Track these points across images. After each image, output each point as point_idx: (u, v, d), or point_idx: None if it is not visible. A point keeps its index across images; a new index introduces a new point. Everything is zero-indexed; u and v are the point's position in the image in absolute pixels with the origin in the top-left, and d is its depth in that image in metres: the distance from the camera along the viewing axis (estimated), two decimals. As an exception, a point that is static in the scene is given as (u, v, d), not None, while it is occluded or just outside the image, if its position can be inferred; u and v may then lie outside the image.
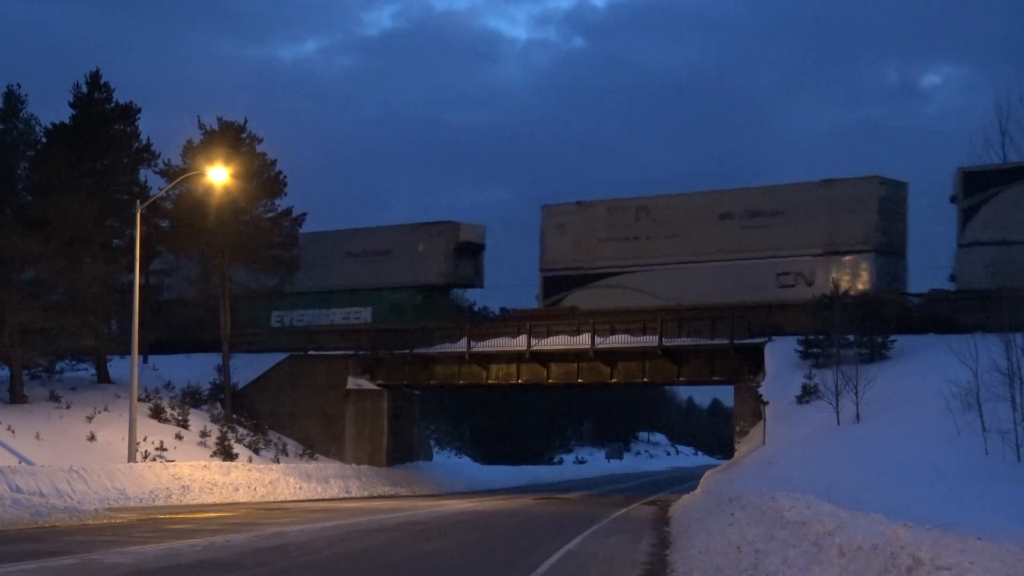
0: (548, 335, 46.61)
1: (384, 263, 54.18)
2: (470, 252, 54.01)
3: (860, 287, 42.59)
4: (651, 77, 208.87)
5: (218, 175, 40.08)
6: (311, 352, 51.79)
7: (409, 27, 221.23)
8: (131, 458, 34.97)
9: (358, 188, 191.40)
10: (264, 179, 49.49)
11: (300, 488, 39.78)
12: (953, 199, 42.07)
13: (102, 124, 45.52)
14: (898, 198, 44.61)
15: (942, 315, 39.42)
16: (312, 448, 49.29)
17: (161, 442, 40.88)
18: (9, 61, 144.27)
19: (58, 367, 45.50)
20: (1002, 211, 40.31)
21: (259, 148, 49.62)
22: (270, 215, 50.33)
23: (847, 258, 43.53)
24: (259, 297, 50.69)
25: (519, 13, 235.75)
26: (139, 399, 38.23)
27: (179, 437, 42.73)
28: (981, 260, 39.87)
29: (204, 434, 44.16)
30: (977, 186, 41.13)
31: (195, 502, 33.28)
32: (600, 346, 45.11)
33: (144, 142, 47.14)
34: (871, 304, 38.15)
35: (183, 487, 34.26)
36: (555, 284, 50.54)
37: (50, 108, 53.03)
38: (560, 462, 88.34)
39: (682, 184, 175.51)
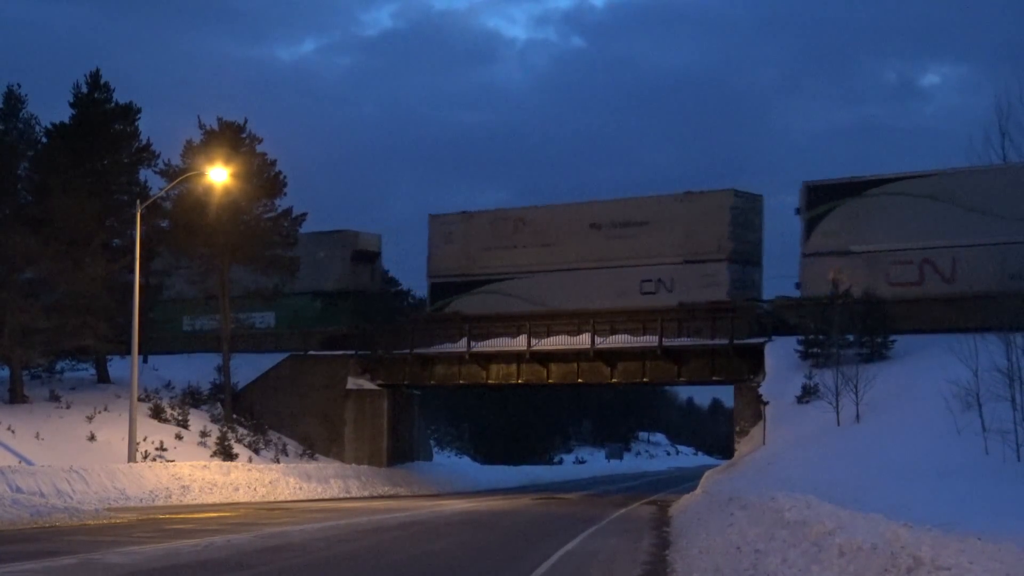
0: (548, 335, 46.64)
1: None
2: (366, 259, 55.69)
3: (715, 294, 44.97)
4: (650, 77, 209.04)
5: (218, 175, 40.08)
6: (311, 352, 51.81)
7: (408, 27, 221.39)
8: (131, 458, 34.98)
9: (357, 188, 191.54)
10: (264, 179, 49.46)
11: (300, 488, 39.78)
12: (798, 211, 44.36)
13: (102, 124, 45.51)
14: (753, 210, 46.88)
15: (789, 321, 41.49)
16: (312, 448, 49.29)
17: (161, 442, 40.88)
18: (9, 61, 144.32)
19: (58, 367, 45.51)
20: (838, 223, 42.93)
21: (259, 148, 49.63)
22: (270, 215, 50.31)
23: (703, 266, 45.69)
24: (259, 297, 50.68)
25: (518, 13, 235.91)
26: (139, 399, 38.24)
27: (179, 437, 42.73)
28: (821, 269, 42.51)
29: (204, 434, 44.16)
30: (819, 199, 43.88)
31: (195, 502, 33.28)
32: (600, 346, 45.12)
33: (144, 142, 47.14)
34: (871, 304, 38.17)
35: (183, 487, 34.26)
36: (442, 290, 52.54)
37: (50, 108, 53.05)
38: (560, 462, 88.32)
39: (682, 184, 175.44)
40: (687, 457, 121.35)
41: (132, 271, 37.65)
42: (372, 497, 41.62)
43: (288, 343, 53.21)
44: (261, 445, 47.08)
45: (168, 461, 38.02)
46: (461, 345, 47.87)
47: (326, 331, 52.79)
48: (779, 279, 48.24)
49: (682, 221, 46.48)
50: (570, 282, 48.39)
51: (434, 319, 51.15)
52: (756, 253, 47.06)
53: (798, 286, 44.32)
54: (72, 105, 46.06)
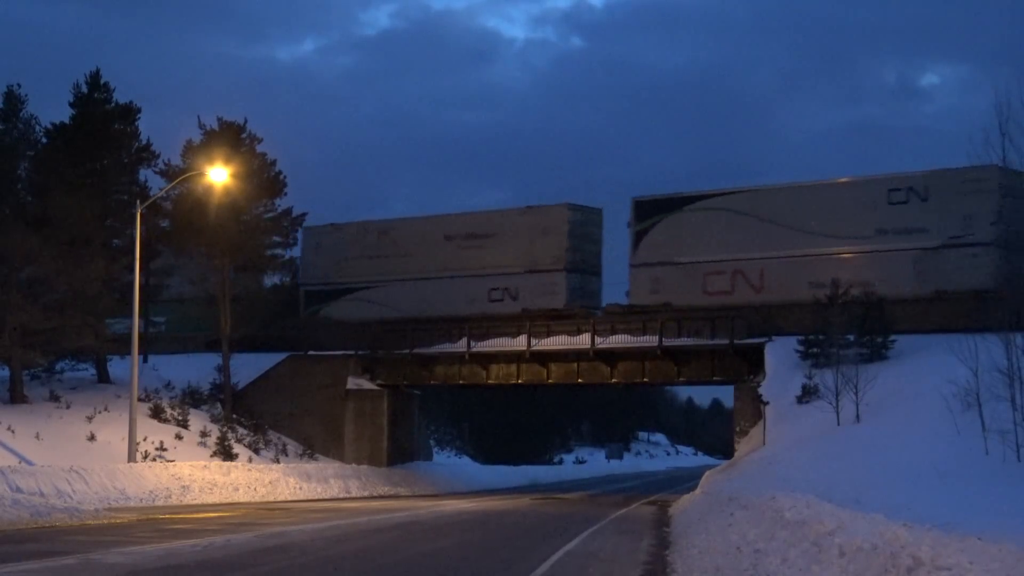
0: (548, 335, 46.66)
1: None
2: (256, 267, 55.84)
3: (554, 302, 48.04)
4: (649, 77, 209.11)
5: (218, 175, 40.09)
6: (311, 352, 51.83)
7: (407, 27, 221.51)
8: (131, 458, 34.97)
9: (357, 188, 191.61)
10: (264, 179, 49.53)
11: (300, 488, 39.78)
12: (629, 224, 47.93)
13: (102, 124, 45.54)
14: (591, 222, 49.93)
15: (648, 326, 44.64)
16: (312, 448, 49.30)
17: (161, 442, 40.88)
18: (9, 61, 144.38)
19: (58, 367, 45.51)
20: (662, 236, 46.60)
21: (259, 148, 49.70)
22: (270, 215, 50.36)
23: (544, 275, 48.58)
24: (259, 297, 50.74)
25: (517, 13, 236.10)
26: (139, 399, 38.23)
27: (179, 437, 42.74)
28: (647, 279, 46.61)
29: (204, 434, 44.17)
30: (645, 214, 47.48)
31: (195, 502, 33.28)
32: (600, 346, 45.14)
33: (144, 142, 47.19)
34: (871, 305, 38.19)
35: (183, 487, 34.26)
36: (314, 297, 55.06)
37: (50, 108, 53.11)
38: (560, 462, 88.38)
39: (680, 183, 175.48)
40: (687, 457, 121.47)
41: (132, 271, 37.65)
42: (372, 497, 41.62)
43: (171, 346, 54.91)
44: (261, 445, 47.09)
45: (168, 461, 38.02)
46: (461, 345, 47.90)
47: (204, 335, 53.87)
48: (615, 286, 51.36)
49: (525, 233, 49.41)
50: (427, 290, 51.41)
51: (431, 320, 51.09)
52: (595, 263, 50.20)
53: (627, 294, 47.88)
54: (72, 105, 46.10)
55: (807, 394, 34.78)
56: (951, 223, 40.73)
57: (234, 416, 48.28)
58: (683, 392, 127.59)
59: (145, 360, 49.29)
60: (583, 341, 45.36)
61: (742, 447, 39.35)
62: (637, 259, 47.33)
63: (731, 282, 45.02)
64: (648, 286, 46.63)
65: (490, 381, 49.40)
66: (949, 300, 39.69)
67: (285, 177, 50.29)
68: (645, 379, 47.14)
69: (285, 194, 50.48)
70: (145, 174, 47.92)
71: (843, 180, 44.86)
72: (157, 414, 44.18)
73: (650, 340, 44.29)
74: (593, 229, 50.10)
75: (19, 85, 44.69)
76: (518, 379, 48.46)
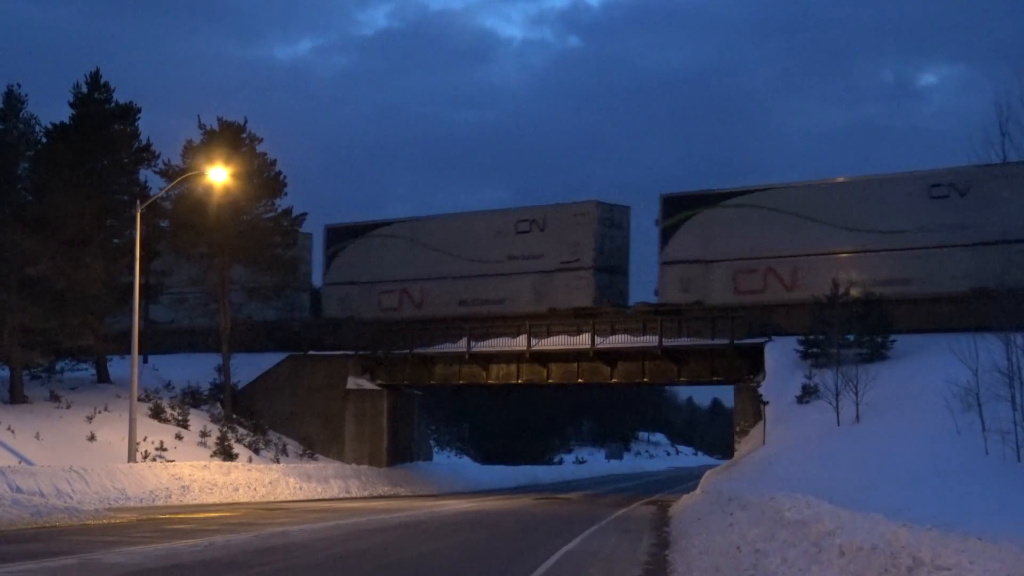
0: (548, 335, 46.66)
1: None
2: None
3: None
4: (646, 77, 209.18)
5: (218, 175, 40.09)
6: (311, 352, 51.83)
7: (404, 27, 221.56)
8: (131, 458, 34.97)
9: (355, 188, 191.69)
10: (264, 179, 49.51)
11: (300, 488, 39.78)
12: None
13: (102, 124, 45.52)
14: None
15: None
16: (312, 448, 49.30)
17: (161, 442, 40.88)
18: (9, 61, 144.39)
19: (58, 367, 45.49)
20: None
21: (259, 148, 49.68)
22: (270, 215, 50.35)
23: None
24: (259, 297, 50.74)
25: (514, 13, 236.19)
26: (139, 399, 38.22)
27: (179, 437, 42.73)
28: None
29: (204, 434, 44.16)
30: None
31: (195, 502, 33.28)
32: (600, 346, 45.14)
33: (144, 142, 47.16)
34: (870, 305, 38.20)
35: (183, 487, 34.26)
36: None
37: (50, 108, 53.16)
38: (560, 462, 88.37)
39: (679, 183, 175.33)
40: (687, 457, 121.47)
41: (132, 271, 37.65)
42: (372, 497, 41.62)
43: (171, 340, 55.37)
44: (261, 445, 47.09)
45: (168, 461, 38.02)
46: (461, 345, 47.90)
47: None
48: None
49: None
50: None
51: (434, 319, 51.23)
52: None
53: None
54: (72, 105, 46.08)
55: (807, 394, 34.77)
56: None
57: (234, 416, 48.28)
58: (683, 392, 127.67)
59: (145, 360, 49.28)
60: (583, 341, 45.36)
61: (742, 447, 39.35)
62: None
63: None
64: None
65: (490, 381, 49.40)
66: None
67: (285, 177, 50.32)
68: (645, 379, 47.14)
69: (285, 194, 50.50)
70: (145, 174, 47.94)
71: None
72: (157, 414, 44.17)
73: (650, 340, 44.29)
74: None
75: (19, 85, 44.69)
76: (518, 379, 48.46)
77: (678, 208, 46.87)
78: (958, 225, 40.41)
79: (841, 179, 45.30)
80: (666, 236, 46.81)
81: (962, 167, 39.48)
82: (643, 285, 50.18)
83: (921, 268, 40.87)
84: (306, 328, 53.40)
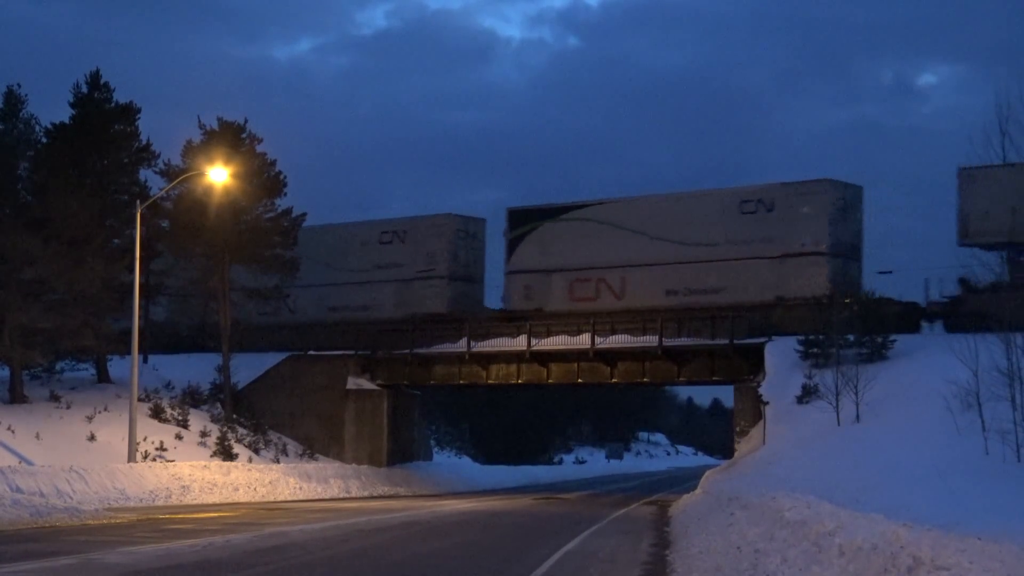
0: (548, 335, 46.65)
1: None
2: None
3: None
4: (645, 76, 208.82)
5: (218, 175, 40.07)
6: (311, 352, 51.82)
7: (403, 26, 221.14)
8: (131, 458, 34.96)
9: (354, 188, 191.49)
10: (264, 179, 49.48)
11: (300, 488, 39.77)
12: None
13: (102, 124, 45.48)
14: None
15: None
16: (312, 448, 49.28)
17: (161, 442, 40.87)
18: (9, 61, 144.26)
19: (58, 367, 45.47)
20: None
21: (259, 148, 49.64)
22: (270, 215, 50.32)
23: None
24: (259, 297, 50.73)
25: (513, 12, 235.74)
26: (139, 399, 38.20)
27: (179, 437, 42.72)
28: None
29: (204, 434, 44.15)
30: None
31: (195, 502, 33.28)
32: (600, 346, 45.12)
33: (144, 142, 47.14)
34: (870, 305, 38.21)
35: (183, 487, 34.25)
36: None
37: (50, 108, 53.06)
38: (560, 462, 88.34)
39: (677, 183, 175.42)
40: (687, 457, 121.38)
41: (132, 271, 37.64)
42: (372, 497, 41.61)
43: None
44: (261, 445, 47.08)
45: (168, 461, 38.01)
46: (461, 345, 47.88)
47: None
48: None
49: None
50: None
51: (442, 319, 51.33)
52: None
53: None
54: (72, 105, 46.03)
55: (807, 394, 34.77)
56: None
57: (234, 416, 48.26)
58: (683, 392, 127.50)
59: (145, 360, 49.26)
60: (583, 341, 45.33)
61: (742, 447, 39.34)
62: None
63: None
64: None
65: (490, 381, 49.38)
66: None
67: (285, 177, 50.28)
68: (645, 379, 47.14)
69: (285, 194, 50.48)
70: (145, 174, 47.90)
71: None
72: (157, 414, 44.16)
73: (650, 340, 44.27)
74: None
75: (19, 85, 44.71)
76: (518, 379, 48.44)
77: (523, 221, 50.75)
78: (764, 239, 44.28)
79: (664, 195, 49.35)
80: (512, 247, 50.80)
81: (769, 184, 45.28)
82: (498, 293, 52.69)
83: (733, 278, 44.64)
84: (310, 328, 53.44)
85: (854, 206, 44.95)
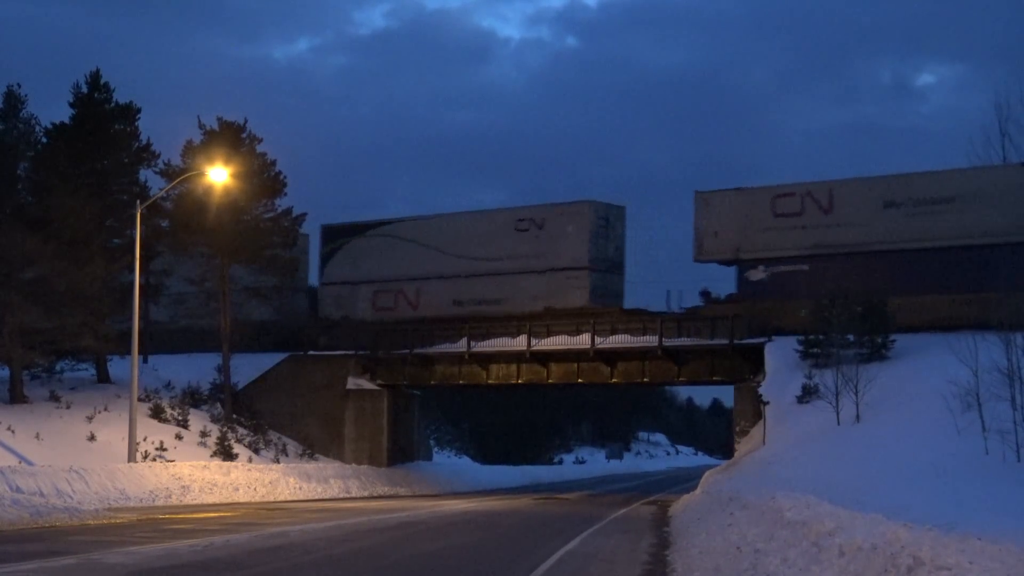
0: (548, 335, 46.65)
1: None
2: None
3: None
4: (644, 76, 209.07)
5: (218, 175, 40.08)
6: (311, 352, 51.83)
7: (401, 26, 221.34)
8: (131, 458, 34.97)
9: (353, 187, 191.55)
10: (264, 179, 49.50)
11: (300, 488, 39.78)
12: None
13: (102, 124, 45.50)
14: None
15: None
16: (312, 448, 49.29)
17: (161, 442, 40.88)
18: (9, 61, 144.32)
19: (58, 367, 45.48)
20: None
21: (259, 148, 49.66)
22: (270, 215, 50.34)
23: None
24: (259, 297, 50.75)
25: (511, 12, 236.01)
26: (139, 399, 38.22)
27: (179, 437, 42.74)
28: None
29: (204, 434, 44.16)
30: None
31: (195, 502, 33.28)
32: (600, 346, 45.13)
33: (144, 142, 47.15)
34: (871, 305, 38.20)
35: (183, 487, 34.26)
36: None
37: (50, 108, 53.13)
38: (560, 462, 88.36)
39: (675, 183, 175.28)
40: (687, 457, 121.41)
41: (132, 271, 37.63)
42: (372, 497, 41.62)
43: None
44: (261, 445, 47.09)
45: (168, 461, 38.01)
46: (461, 345, 47.89)
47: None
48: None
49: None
50: None
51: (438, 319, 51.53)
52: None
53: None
54: (72, 105, 46.06)
55: (807, 394, 34.77)
56: None
57: (234, 416, 48.28)
58: (683, 392, 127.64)
59: (145, 360, 49.27)
60: (583, 341, 45.35)
61: (742, 447, 39.34)
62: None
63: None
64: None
65: (490, 381, 49.40)
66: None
67: (285, 177, 50.31)
68: (645, 379, 47.16)
69: (285, 194, 50.51)
70: (145, 174, 47.93)
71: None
72: (157, 414, 44.17)
73: (650, 340, 44.30)
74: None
75: (19, 85, 44.71)
76: (518, 379, 48.46)
77: (335, 237, 55.23)
78: (536, 254, 49.19)
79: (454, 214, 54.32)
80: (324, 261, 55.36)
81: (541, 205, 50.44)
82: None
83: (510, 290, 49.37)
84: (303, 328, 53.51)
85: (615, 224, 49.82)
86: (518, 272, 49.60)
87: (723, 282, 46.94)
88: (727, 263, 46.05)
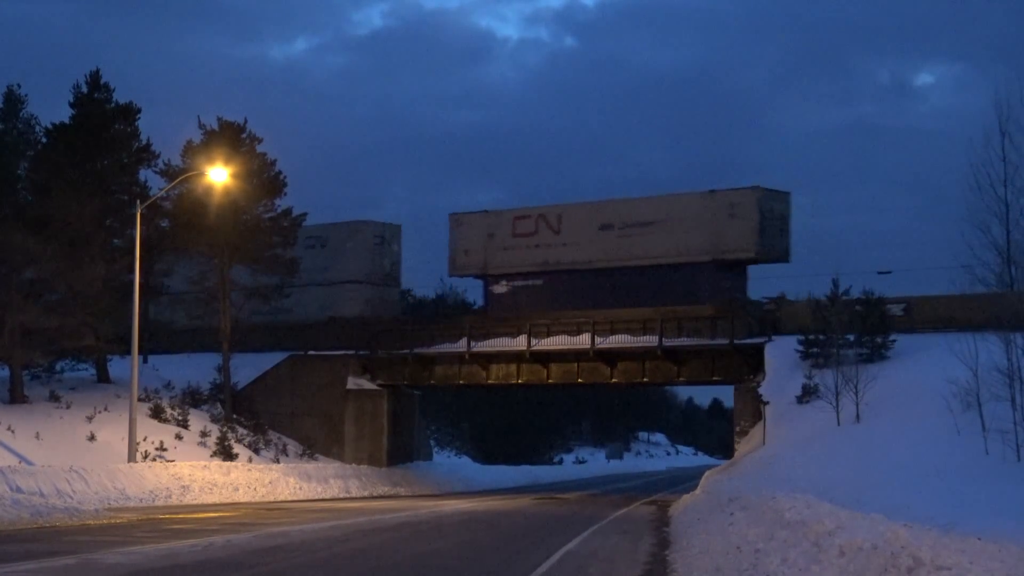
0: (548, 335, 46.63)
1: None
2: None
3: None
4: (642, 76, 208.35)
5: (218, 175, 40.08)
6: (311, 352, 51.78)
7: (399, 26, 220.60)
8: (131, 458, 34.97)
9: (351, 187, 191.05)
10: (264, 179, 49.47)
11: (300, 488, 39.78)
12: None
13: (102, 124, 45.46)
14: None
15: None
16: (312, 448, 49.27)
17: (161, 442, 40.88)
18: (9, 61, 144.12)
19: (58, 367, 45.48)
20: None
21: (259, 148, 49.62)
22: (270, 215, 50.30)
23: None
24: (259, 296, 50.74)
25: (509, 12, 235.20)
26: (139, 399, 38.21)
27: (179, 437, 42.73)
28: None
29: (204, 434, 44.15)
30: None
31: (195, 502, 33.28)
32: (600, 346, 45.10)
33: (144, 142, 47.12)
34: (871, 304, 38.20)
35: (183, 487, 34.26)
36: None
37: (50, 108, 53.09)
38: (560, 462, 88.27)
39: (674, 182, 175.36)
40: (687, 457, 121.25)
41: (132, 271, 37.63)
42: (372, 497, 41.62)
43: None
44: (261, 445, 47.08)
45: (168, 461, 38.01)
46: (461, 345, 47.86)
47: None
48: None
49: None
50: None
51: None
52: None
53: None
54: (72, 105, 46.02)
55: (807, 394, 34.75)
56: None
57: (234, 416, 48.26)
58: (683, 392, 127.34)
59: (145, 360, 49.25)
60: (583, 341, 45.30)
61: (742, 447, 39.33)
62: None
63: None
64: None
65: (490, 381, 49.36)
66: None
67: (285, 177, 50.28)
68: (645, 379, 47.14)
69: (285, 194, 50.47)
70: (145, 174, 47.90)
71: None
72: (157, 414, 44.16)
73: (650, 340, 44.24)
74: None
75: (19, 85, 44.72)
76: (518, 379, 48.43)
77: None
78: (321, 268, 53.28)
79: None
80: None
81: (326, 224, 54.40)
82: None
83: (302, 301, 52.62)
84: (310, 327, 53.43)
85: (391, 242, 54.77)
86: (306, 285, 52.63)
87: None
88: (478, 277, 52.06)
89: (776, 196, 46.33)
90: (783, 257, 46.59)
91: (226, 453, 42.85)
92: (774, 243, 45.56)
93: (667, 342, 43.84)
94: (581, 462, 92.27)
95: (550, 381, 48.70)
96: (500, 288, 50.57)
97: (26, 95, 44.56)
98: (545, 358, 47.03)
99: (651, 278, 46.24)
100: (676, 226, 46.13)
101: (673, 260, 45.99)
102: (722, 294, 44.48)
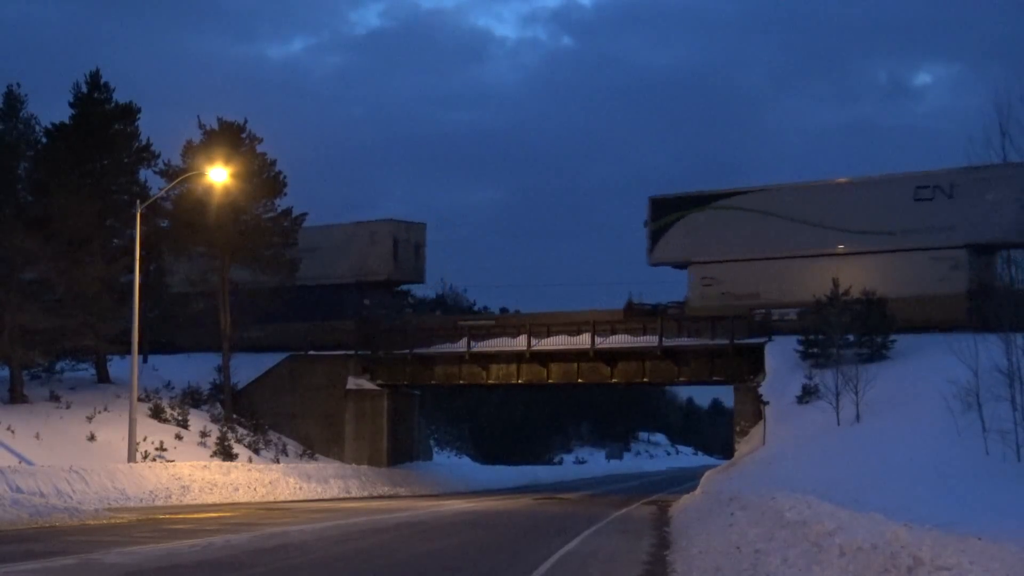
0: (548, 335, 46.64)
1: None
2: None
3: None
4: (640, 76, 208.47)
5: (218, 175, 40.09)
6: (311, 352, 51.79)
7: (397, 26, 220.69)
8: (131, 458, 34.98)
9: (349, 187, 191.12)
10: (264, 179, 49.46)
11: (300, 488, 39.78)
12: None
13: (102, 124, 45.46)
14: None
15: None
16: (312, 448, 49.28)
17: (161, 442, 40.87)
18: (9, 61, 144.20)
19: (58, 367, 45.47)
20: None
21: (259, 148, 49.62)
22: (270, 215, 50.29)
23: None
24: (259, 296, 50.73)
25: (507, 12, 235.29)
26: (139, 399, 38.22)
27: (179, 437, 42.73)
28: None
29: (204, 434, 44.16)
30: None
31: (195, 502, 33.28)
32: (600, 346, 45.12)
33: (144, 142, 47.11)
34: (871, 304, 38.20)
35: (183, 487, 34.26)
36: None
37: (50, 108, 53.05)
38: (560, 462, 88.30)
39: (672, 182, 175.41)
40: (687, 457, 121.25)
41: (132, 271, 37.63)
42: (372, 497, 41.62)
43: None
44: (261, 445, 47.08)
45: (168, 461, 38.01)
46: (461, 345, 47.88)
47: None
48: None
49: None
50: None
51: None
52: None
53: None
54: (72, 105, 46.01)
55: (807, 394, 34.76)
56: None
57: (234, 416, 48.27)
58: (683, 392, 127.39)
59: (145, 360, 49.27)
60: (583, 341, 45.34)
61: (742, 447, 39.34)
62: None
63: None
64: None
65: (490, 381, 49.41)
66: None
67: (285, 177, 50.27)
68: (645, 379, 47.16)
69: (285, 194, 50.47)
70: (145, 174, 47.87)
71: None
72: (157, 414, 44.16)
73: (650, 340, 44.28)
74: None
75: (19, 85, 44.68)
76: (518, 379, 48.46)
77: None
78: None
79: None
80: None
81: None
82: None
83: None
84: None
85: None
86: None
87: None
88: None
89: (411, 227, 54.24)
90: (419, 278, 55.25)
91: (226, 453, 42.85)
92: (407, 267, 53.54)
93: (667, 342, 43.90)
94: (581, 462, 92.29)
95: (550, 381, 48.72)
96: None
97: (26, 95, 44.55)
98: (545, 358, 47.05)
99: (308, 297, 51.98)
100: (333, 253, 53.06)
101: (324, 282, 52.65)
102: (363, 311, 52.10)
